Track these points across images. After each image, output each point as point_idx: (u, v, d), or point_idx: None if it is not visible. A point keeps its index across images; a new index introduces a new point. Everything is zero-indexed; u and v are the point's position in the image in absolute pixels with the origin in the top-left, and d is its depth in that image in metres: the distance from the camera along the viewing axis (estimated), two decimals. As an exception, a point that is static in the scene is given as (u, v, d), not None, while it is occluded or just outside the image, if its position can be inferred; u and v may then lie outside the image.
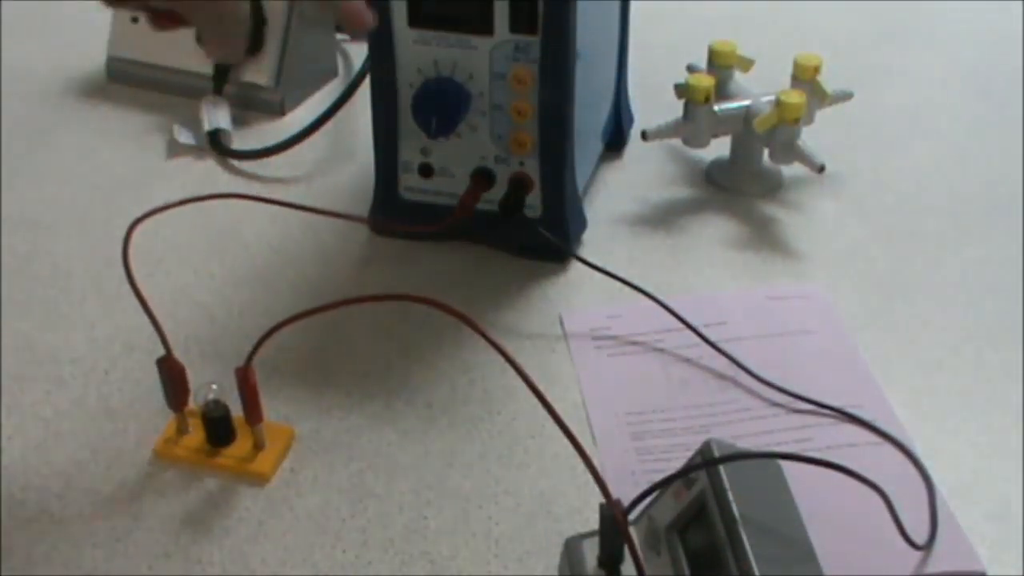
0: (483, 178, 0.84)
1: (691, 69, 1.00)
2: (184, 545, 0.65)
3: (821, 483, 0.60)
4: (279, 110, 1.06)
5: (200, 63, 1.05)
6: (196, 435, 0.71)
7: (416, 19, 0.80)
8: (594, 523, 0.59)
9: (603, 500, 0.56)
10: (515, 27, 0.79)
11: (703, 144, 0.94)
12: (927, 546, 0.64)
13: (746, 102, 0.93)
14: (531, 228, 0.85)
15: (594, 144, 0.95)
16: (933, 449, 0.70)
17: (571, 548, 0.62)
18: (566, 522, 0.66)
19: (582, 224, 0.88)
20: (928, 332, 0.81)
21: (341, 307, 0.65)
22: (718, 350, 0.77)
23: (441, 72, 0.82)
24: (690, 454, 0.61)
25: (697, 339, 0.78)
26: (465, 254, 0.88)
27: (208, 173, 0.98)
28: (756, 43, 1.02)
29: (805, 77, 0.94)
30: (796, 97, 0.89)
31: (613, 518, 0.56)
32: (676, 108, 0.93)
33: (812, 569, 0.56)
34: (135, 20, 1.08)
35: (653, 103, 1.01)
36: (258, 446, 0.70)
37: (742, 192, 0.95)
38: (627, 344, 0.79)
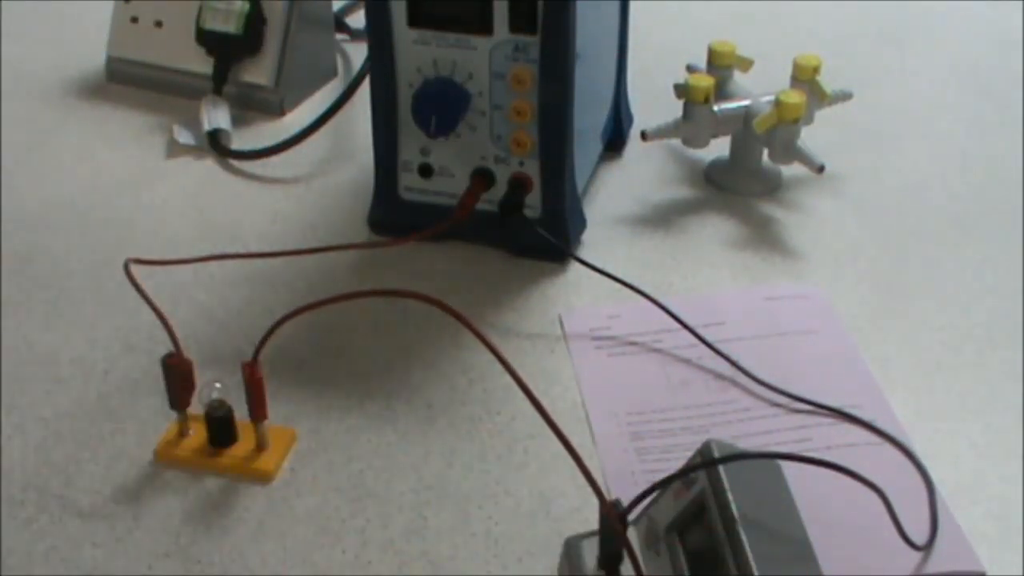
0: (483, 178, 0.84)
1: (691, 69, 1.00)
2: (184, 545, 0.65)
3: (821, 483, 0.60)
4: (279, 110, 1.06)
5: (199, 63, 1.05)
6: (197, 437, 0.71)
7: (416, 19, 0.80)
8: (594, 523, 0.59)
9: (603, 500, 0.56)
10: (514, 27, 0.79)
11: (703, 144, 0.94)
12: (927, 546, 0.63)
13: (745, 102, 0.93)
14: (531, 228, 0.85)
15: (594, 144, 0.95)
16: (933, 449, 0.70)
17: (571, 548, 0.62)
18: (566, 522, 0.66)
19: (582, 224, 0.88)
20: (928, 332, 0.81)
21: (346, 300, 0.65)
22: (716, 351, 0.77)
23: (441, 72, 0.82)
24: (690, 454, 0.61)
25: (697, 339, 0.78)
26: (465, 254, 0.88)
27: (208, 173, 0.98)
28: (756, 43, 1.02)
29: (804, 77, 0.94)
30: (796, 97, 0.89)
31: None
32: (676, 108, 0.93)
33: (812, 569, 0.56)
34: (135, 20, 1.08)
35: (653, 103, 1.01)
36: (261, 446, 0.70)
37: (741, 192, 0.95)
38: (627, 344, 0.79)
